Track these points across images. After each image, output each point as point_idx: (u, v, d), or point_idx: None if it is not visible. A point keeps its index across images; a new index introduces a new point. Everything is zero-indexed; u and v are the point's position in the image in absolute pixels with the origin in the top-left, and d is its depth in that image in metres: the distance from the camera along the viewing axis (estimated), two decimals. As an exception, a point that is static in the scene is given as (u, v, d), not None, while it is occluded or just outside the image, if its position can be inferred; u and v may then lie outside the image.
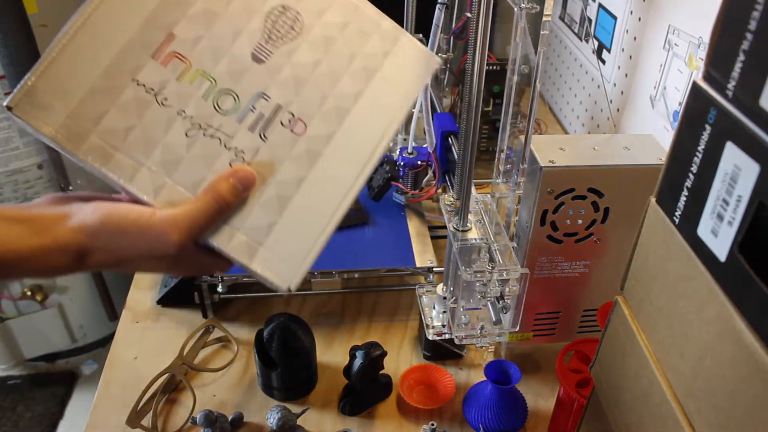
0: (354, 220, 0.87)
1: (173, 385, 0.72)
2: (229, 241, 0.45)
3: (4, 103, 0.41)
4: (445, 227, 0.86)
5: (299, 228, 0.46)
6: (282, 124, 0.45)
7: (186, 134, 0.44)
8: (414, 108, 0.86)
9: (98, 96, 0.43)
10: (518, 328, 0.64)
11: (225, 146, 0.44)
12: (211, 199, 0.43)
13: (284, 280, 0.46)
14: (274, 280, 0.46)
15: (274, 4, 0.45)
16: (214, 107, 0.44)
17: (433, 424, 0.66)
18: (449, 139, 0.79)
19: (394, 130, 0.47)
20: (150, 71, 0.43)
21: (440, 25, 0.72)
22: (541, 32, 0.56)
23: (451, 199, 0.69)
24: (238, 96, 0.45)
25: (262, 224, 0.45)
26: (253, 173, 0.44)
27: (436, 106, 0.95)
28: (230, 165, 0.44)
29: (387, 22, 0.47)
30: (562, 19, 1.21)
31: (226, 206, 0.44)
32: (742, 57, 0.30)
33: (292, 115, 0.45)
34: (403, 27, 0.96)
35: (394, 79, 0.46)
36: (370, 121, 0.46)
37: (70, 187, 1.42)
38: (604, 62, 1.02)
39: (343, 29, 0.46)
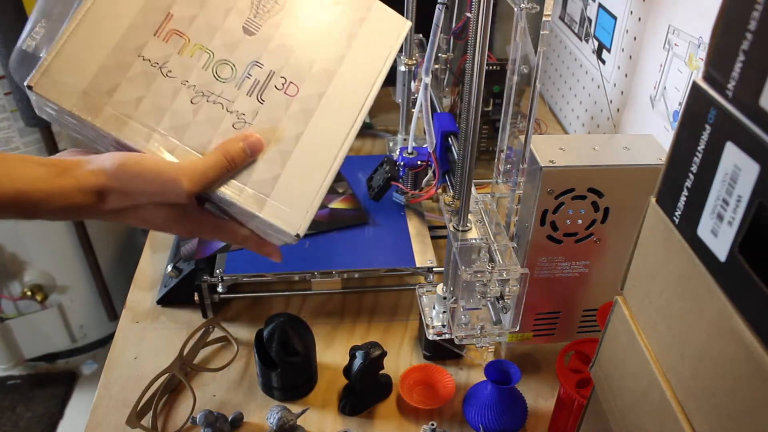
0: (354, 220, 0.87)
1: (173, 385, 0.72)
2: (239, 194, 0.49)
3: (25, 83, 0.46)
4: (445, 227, 0.86)
5: (301, 178, 0.50)
6: (276, 87, 0.50)
7: (191, 101, 0.49)
8: (414, 108, 0.86)
9: (109, 72, 0.47)
10: (518, 328, 0.64)
11: (227, 110, 0.49)
12: (221, 157, 0.47)
13: (292, 226, 0.49)
14: (283, 226, 0.49)
15: None
16: (214, 76, 0.49)
17: (433, 424, 0.66)
18: (449, 139, 0.79)
19: (378, 86, 0.51)
20: (153, 47, 0.48)
21: (440, 25, 0.71)
22: (541, 32, 0.56)
23: (451, 199, 0.69)
24: (234, 65, 0.49)
25: (266, 178, 0.49)
26: (261, 140, 0.49)
27: (436, 106, 0.95)
28: (233, 127, 0.49)
29: None
30: (562, 19, 1.21)
31: (234, 165, 0.48)
32: (742, 57, 0.30)
33: (285, 79, 0.50)
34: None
35: (372, 42, 0.51)
36: (355, 79, 0.51)
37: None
38: (604, 62, 1.02)
39: (321, 1, 0.50)
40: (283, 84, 0.50)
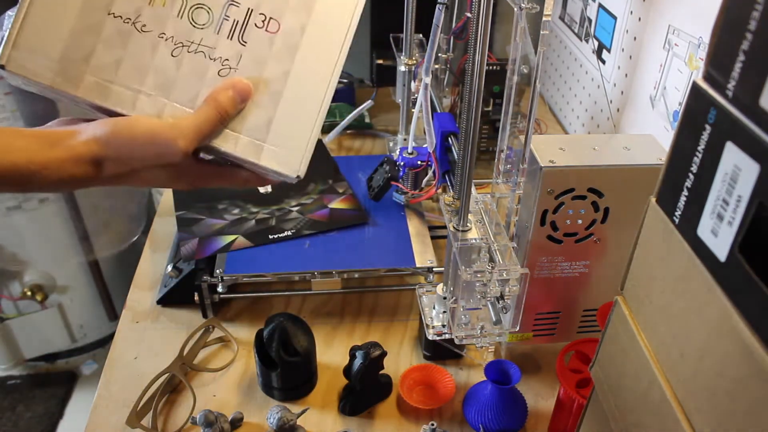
0: (354, 220, 0.87)
1: (173, 385, 0.72)
2: (235, 145, 0.47)
3: None
4: (445, 227, 0.86)
5: (295, 118, 0.48)
6: (257, 26, 0.47)
7: (172, 54, 0.46)
8: (414, 108, 0.86)
9: (81, 36, 0.45)
10: (518, 328, 0.64)
11: (210, 58, 0.47)
12: (212, 109, 0.46)
13: (292, 169, 0.49)
14: (283, 170, 0.49)
15: None
16: (191, 23, 0.47)
17: (433, 424, 0.66)
18: (449, 139, 0.79)
19: (359, 8, 0.49)
20: (122, 1, 0.45)
21: (440, 25, 0.71)
22: (541, 32, 0.56)
23: (451, 199, 0.69)
24: (210, 8, 0.47)
25: (260, 123, 0.48)
26: (250, 85, 0.47)
27: (436, 106, 0.95)
28: (219, 74, 0.47)
29: None
30: (562, 19, 1.21)
31: (227, 115, 0.47)
32: (742, 57, 0.30)
33: (264, 15, 0.47)
34: (403, 27, 0.96)
35: None
36: (336, 4, 0.48)
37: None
38: (604, 62, 1.02)
39: None
40: (263, 21, 0.47)
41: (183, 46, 0.46)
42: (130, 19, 0.45)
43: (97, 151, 0.44)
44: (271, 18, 0.47)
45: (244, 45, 0.47)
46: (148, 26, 0.46)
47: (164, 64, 0.46)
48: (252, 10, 0.47)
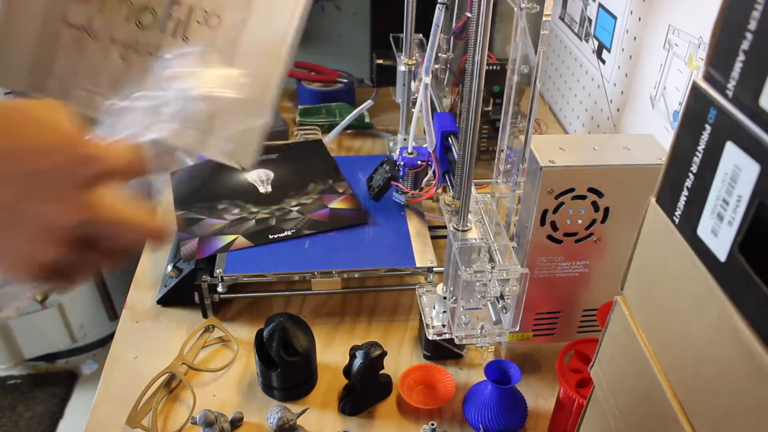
0: (354, 220, 0.87)
1: (173, 385, 0.72)
2: (181, 137, 0.45)
3: None
4: (445, 227, 0.86)
5: (240, 113, 0.48)
6: (198, 22, 0.48)
7: (121, 58, 0.49)
8: (414, 108, 0.86)
9: (43, 46, 0.48)
10: (518, 328, 0.64)
11: (156, 57, 0.48)
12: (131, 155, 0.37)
13: (240, 161, 0.49)
14: (231, 162, 0.49)
15: None
16: (137, 25, 0.49)
17: (433, 424, 0.66)
18: (449, 139, 0.79)
19: (301, 6, 0.47)
20: (76, 11, 0.48)
21: (440, 25, 0.71)
22: (541, 32, 0.56)
23: (451, 199, 0.69)
24: (154, 9, 0.49)
25: (203, 117, 0.46)
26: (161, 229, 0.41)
27: (436, 106, 0.95)
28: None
29: None
30: (562, 19, 1.21)
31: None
32: (742, 57, 0.30)
33: (205, 11, 0.48)
34: (403, 27, 0.96)
35: None
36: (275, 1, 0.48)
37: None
38: (604, 62, 1.02)
39: None
40: (204, 18, 0.49)
41: (131, 47, 0.49)
42: (83, 27, 0.49)
43: None
44: (213, 13, 0.48)
45: (186, 41, 0.49)
46: (99, 32, 0.49)
47: (115, 67, 0.49)
48: (193, 7, 0.48)
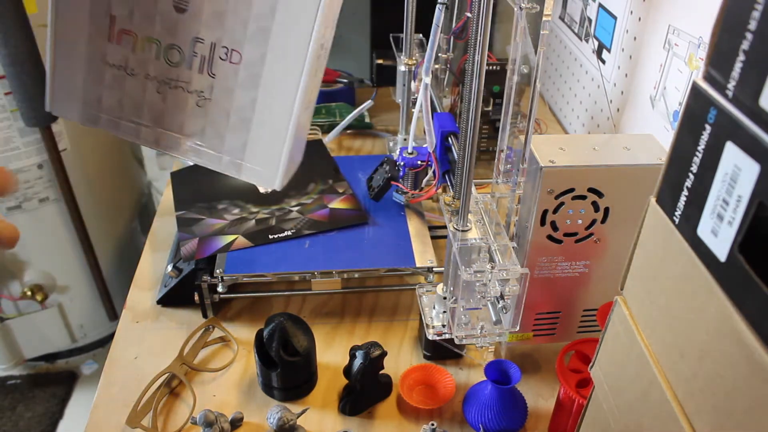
0: (354, 220, 0.87)
1: (173, 385, 0.72)
2: (219, 164, 0.55)
3: (47, 108, 0.56)
4: (445, 227, 0.86)
5: (267, 139, 0.54)
6: (221, 59, 0.53)
7: (157, 91, 0.54)
8: (414, 108, 0.86)
9: (92, 83, 0.55)
10: (518, 328, 0.64)
11: (187, 91, 0.54)
12: None
13: (270, 183, 0.54)
14: (262, 184, 0.55)
15: None
16: (167, 63, 0.53)
17: (433, 424, 0.66)
18: (449, 139, 0.79)
19: (318, 33, 0.51)
20: (113, 52, 0.53)
21: (440, 25, 0.71)
22: (541, 32, 0.56)
23: (451, 199, 0.69)
24: (180, 47, 0.53)
25: (236, 145, 0.54)
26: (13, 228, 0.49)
27: (436, 106, 0.95)
28: (197, 105, 0.54)
29: None
30: (562, 19, 1.21)
31: None
32: (742, 57, 0.30)
33: (227, 48, 0.52)
34: (403, 27, 0.96)
35: None
36: (292, 31, 0.51)
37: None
38: (604, 62, 1.02)
39: None
40: (226, 54, 0.52)
41: (165, 83, 0.54)
42: (122, 66, 0.54)
43: None
44: (233, 50, 0.52)
45: (213, 77, 0.53)
46: (136, 70, 0.54)
47: (153, 99, 0.54)
48: (215, 44, 0.52)
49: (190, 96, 0.54)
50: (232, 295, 0.82)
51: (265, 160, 0.54)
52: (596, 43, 1.04)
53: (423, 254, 0.82)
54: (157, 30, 0.53)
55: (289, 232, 0.84)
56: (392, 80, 1.06)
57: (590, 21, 1.06)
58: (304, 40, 0.51)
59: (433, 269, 0.80)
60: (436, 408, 0.69)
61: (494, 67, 0.99)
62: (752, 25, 0.29)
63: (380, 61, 1.19)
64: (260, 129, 0.54)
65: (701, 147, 0.34)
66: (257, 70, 0.53)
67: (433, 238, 0.86)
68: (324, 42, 0.52)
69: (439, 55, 1.04)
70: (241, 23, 0.51)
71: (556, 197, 0.61)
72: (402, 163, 0.88)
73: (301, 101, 0.53)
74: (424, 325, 0.71)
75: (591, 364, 0.50)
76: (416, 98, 0.82)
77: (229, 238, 0.83)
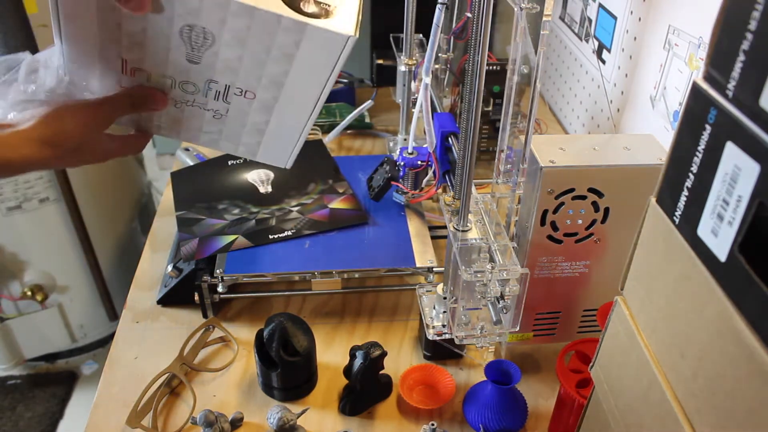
0: (354, 220, 0.87)
1: (173, 385, 0.72)
2: (235, 151, 0.62)
3: None
4: (445, 227, 0.86)
5: (279, 143, 0.60)
6: (236, 94, 0.56)
7: (175, 106, 0.57)
8: (414, 108, 0.86)
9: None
10: (518, 328, 0.64)
11: (204, 109, 0.57)
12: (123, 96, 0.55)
13: (281, 164, 0.63)
14: (274, 164, 0.63)
15: (179, 25, 0.51)
16: (182, 91, 0.56)
17: (433, 424, 0.66)
18: (449, 139, 0.79)
19: (328, 85, 0.54)
20: (126, 82, 0.55)
21: (440, 25, 0.71)
22: (541, 32, 0.56)
23: (451, 199, 0.69)
24: (195, 83, 0.55)
25: (252, 143, 0.61)
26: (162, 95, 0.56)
27: (436, 106, 0.95)
28: (213, 118, 0.58)
29: (287, 19, 0.50)
30: (562, 19, 1.21)
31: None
32: (742, 57, 0.30)
33: (240, 89, 0.55)
34: (403, 27, 0.96)
35: (313, 58, 0.53)
36: (304, 83, 0.55)
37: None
38: (604, 62, 1.02)
39: (248, 30, 0.51)
40: (240, 92, 0.55)
41: (183, 102, 0.57)
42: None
43: (45, 127, 0.50)
44: (247, 90, 0.55)
45: (228, 103, 0.57)
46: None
47: (171, 111, 0.58)
48: (229, 86, 0.55)
49: (206, 113, 0.57)
50: (232, 295, 0.82)
51: (276, 155, 0.62)
52: (596, 43, 1.04)
53: (423, 254, 0.82)
54: (171, 72, 0.54)
55: (289, 232, 0.84)
56: (392, 80, 1.06)
57: (590, 21, 1.06)
58: (317, 90, 0.55)
59: (433, 269, 0.80)
60: (436, 408, 0.69)
61: (494, 67, 0.99)
62: (752, 25, 0.29)
63: (380, 61, 1.19)
64: (273, 136, 0.59)
65: (701, 147, 0.34)
66: (271, 104, 0.56)
67: (433, 238, 0.86)
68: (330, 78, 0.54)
69: (439, 55, 1.04)
70: (255, 78, 0.54)
71: (556, 197, 0.61)
72: (402, 163, 0.88)
73: (311, 120, 0.57)
74: (424, 325, 0.71)
75: (591, 364, 0.50)
76: (416, 98, 0.82)
77: (229, 238, 0.83)
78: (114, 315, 1.66)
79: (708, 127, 0.33)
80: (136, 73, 0.54)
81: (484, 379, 0.66)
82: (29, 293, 1.49)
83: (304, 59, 0.52)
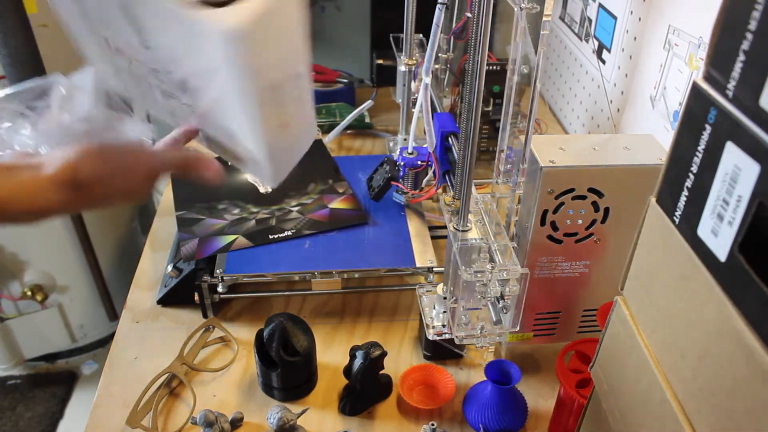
0: (354, 220, 0.87)
1: (173, 385, 0.72)
2: (228, 159, 0.60)
3: None
4: (445, 227, 0.86)
5: (252, 155, 0.56)
6: (192, 89, 0.55)
7: (162, 97, 0.57)
8: (414, 108, 0.86)
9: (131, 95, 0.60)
10: (518, 328, 0.64)
11: (182, 103, 0.56)
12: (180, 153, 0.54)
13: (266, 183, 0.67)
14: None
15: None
16: (156, 79, 0.55)
17: (433, 424, 0.66)
18: (449, 139, 0.79)
19: (251, 82, 0.48)
20: (119, 61, 0.55)
21: (440, 25, 0.72)
22: (541, 32, 0.56)
23: (451, 199, 0.69)
24: (159, 71, 0.55)
25: (232, 153, 0.58)
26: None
27: (436, 106, 0.95)
28: (193, 112, 0.57)
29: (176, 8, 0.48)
30: (562, 19, 1.21)
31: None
32: (742, 57, 0.30)
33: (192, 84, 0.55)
34: (403, 27, 0.96)
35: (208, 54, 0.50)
36: (223, 87, 0.51)
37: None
38: (604, 62, 1.02)
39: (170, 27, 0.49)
40: (194, 87, 0.54)
41: (165, 92, 0.56)
42: (128, 66, 0.57)
43: (73, 172, 0.45)
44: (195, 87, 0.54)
45: (192, 99, 0.56)
46: (140, 76, 0.56)
47: (160, 99, 0.57)
48: (184, 79, 0.53)
49: (184, 106, 0.56)
50: (232, 295, 0.82)
51: (256, 171, 0.58)
52: (596, 43, 1.04)
53: (423, 254, 0.82)
54: (141, 58, 0.53)
55: (289, 232, 0.84)
56: (392, 80, 1.06)
57: (590, 21, 1.06)
58: (239, 91, 0.48)
59: (433, 269, 0.80)
60: (436, 408, 0.69)
61: (494, 67, 0.99)
62: (752, 25, 0.29)
63: (380, 61, 1.19)
64: (242, 146, 0.56)
65: (701, 147, 0.34)
66: (212, 108, 0.54)
67: (433, 238, 0.86)
68: (272, 82, 0.48)
69: (439, 55, 1.04)
70: (183, 76, 0.52)
71: (556, 197, 0.61)
72: (402, 163, 0.88)
73: (265, 129, 0.51)
74: (424, 325, 0.71)
75: (591, 364, 0.50)
76: (416, 98, 0.82)
77: (229, 238, 0.83)
78: (114, 315, 1.66)
79: (708, 127, 0.33)
80: (121, 54, 0.54)
81: (484, 379, 0.66)
82: (29, 293, 1.49)
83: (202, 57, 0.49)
